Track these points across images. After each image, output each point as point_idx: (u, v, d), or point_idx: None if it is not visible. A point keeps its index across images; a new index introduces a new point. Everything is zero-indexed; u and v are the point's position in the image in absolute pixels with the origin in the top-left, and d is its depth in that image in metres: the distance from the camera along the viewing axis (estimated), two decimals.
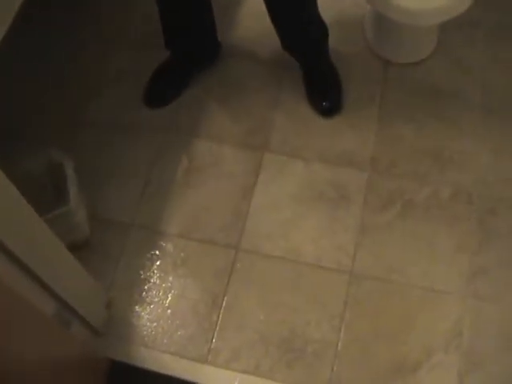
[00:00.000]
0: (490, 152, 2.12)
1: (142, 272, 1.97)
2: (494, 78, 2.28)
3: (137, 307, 1.91)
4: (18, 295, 1.26)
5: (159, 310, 1.91)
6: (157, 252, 2.00)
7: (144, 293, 1.94)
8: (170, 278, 1.96)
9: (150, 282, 1.95)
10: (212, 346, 1.85)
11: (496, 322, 1.85)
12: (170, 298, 1.93)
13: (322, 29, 2.16)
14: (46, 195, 1.84)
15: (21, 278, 1.35)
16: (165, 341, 1.86)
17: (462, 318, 1.85)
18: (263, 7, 2.02)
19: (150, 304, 1.92)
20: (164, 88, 2.30)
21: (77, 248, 1.79)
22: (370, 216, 2.03)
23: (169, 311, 1.90)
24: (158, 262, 1.98)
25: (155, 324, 1.88)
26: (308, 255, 1.98)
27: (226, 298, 1.91)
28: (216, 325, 1.88)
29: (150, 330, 1.88)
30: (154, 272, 1.97)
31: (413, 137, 2.16)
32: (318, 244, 1.99)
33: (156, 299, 1.92)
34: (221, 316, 1.89)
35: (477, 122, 2.19)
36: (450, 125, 2.18)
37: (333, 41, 2.23)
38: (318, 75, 2.27)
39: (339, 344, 1.84)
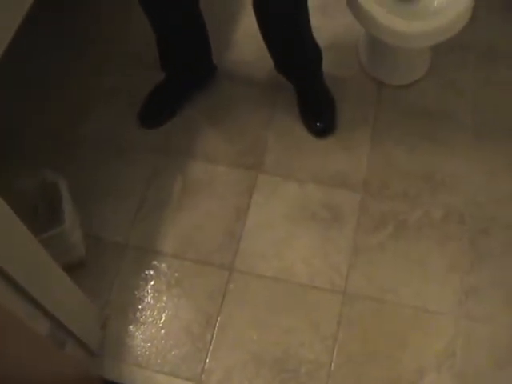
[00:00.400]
0: (482, 173, 2.14)
1: (136, 292, 1.97)
2: (486, 100, 2.31)
3: (131, 327, 1.92)
4: (12, 314, 1.27)
5: (153, 330, 1.91)
6: (151, 272, 2.01)
7: (138, 312, 1.94)
8: (164, 298, 1.96)
9: (144, 301, 1.96)
10: (206, 366, 1.85)
11: (488, 342, 1.86)
12: (164, 318, 1.93)
13: (316, 51, 2.19)
14: (40, 215, 1.85)
15: (15, 297, 1.35)
16: (158, 361, 1.87)
17: (455, 338, 1.86)
18: (257, 29, 2.05)
19: (144, 324, 1.92)
20: (159, 109, 2.33)
21: (72, 268, 1.79)
22: (363, 237, 2.04)
23: (163, 331, 1.91)
24: (152, 282, 1.99)
25: (149, 344, 1.89)
26: (301, 275, 1.99)
27: (219, 318, 1.92)
28: (210, 345, 1.88)
29: (143, 350, 1.88)
30: (148, 292, 1.97)
31: (405, 158, 2.18)
32: (312, 264, 2.00)
33: (150, 319, 1.93)
34: (214, 336, 1.90)
35: (468, 144, 2.21)
36: (442, 146, 2.21)
37: (327, 63, 2.26)
38: (312, 96, 2.29)
39: (332, 364, 1.84)
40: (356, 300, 1.94)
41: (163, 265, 2.02)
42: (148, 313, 1.94)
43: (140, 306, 1.95)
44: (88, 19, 2.56)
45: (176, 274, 2.00)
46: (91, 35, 2.54)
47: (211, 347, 1.88)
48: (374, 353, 1.86)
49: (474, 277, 1.95)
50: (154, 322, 1.93)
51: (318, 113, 2.29)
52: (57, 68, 2.43)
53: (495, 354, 1.84)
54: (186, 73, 2.31)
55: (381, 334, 1.89)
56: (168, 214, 2.11)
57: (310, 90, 2.29)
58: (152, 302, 1.96)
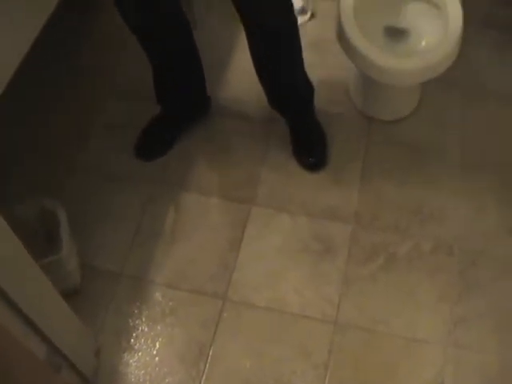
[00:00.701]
0: (470, 207, 2.19)
1: (130, 320, 1.99)
2: (473, 136, 2.37)
3: (125, 354, 1.94)
4: (11, 337, 1.29)
5: (147, 358, 1.93)
6: (146, 301, 2.03)
7: (132, 340, 1.96)
8: (158, 327, 1.98)
9: (138, 329, 1.98)
10: None
11: (477, 371, 1.88)
12: (157, 346, 1.95)
13: (308, 88, 2.24)
14: (37, 242, 1.87)
15: (15, 319, 1.38)
16: None
17: (444, 367, 1.89)
18: (251, 66, 2.11)
19: (138, 351, 1.94)
20: (155, 142, 2.37)
21: (66, 295, 1.81)
22: (354, 268, 2.07)
23: (156, 359, 1.93)
24: (146, 311, 2.01)
25: (143, 371, 1.91)
26: (293, 305, 2.01)
27: (212, 347, 1.94)
28: (203, 373, 1.90)
29: (137, 378, 1.89)
30: (142, 320, 1.99)
31: (395, 192, 2.23)
32: (304, 295, 2.03)
33: (144, 347, 1.95)
34: (207, 365, 1.91)
35: (456, 178, 2.26)
36: (431, 180, 2.26)
37: (319, 98, 2.31)
38: (305, 132, 2.34)
39: None
40: (347, 330, 1.97)
41: (157, 294, 2.04)
42: (142, 341, 1.96)
43: (134, 334, 1.97)
44: (86, 49, 2.63)
45: (170, 303, 2.02)
46: (88, 64, 2.60)
47: (204, 376, 1.90)
48: (364, 381, 1.88)
49: (462, 307, 1.99)
50: (148, 349, 1.94)
51: (310, 148, 2.34)
52: (55, 95, 2.48)
53: (484, 382, 1.86)
54: (181, 106, 2.36)
55: (372, 363, 1.91)
56: (162, 244, 2.14)
57: (302, 126, 2.34)
58: (146, 330, 1.98)
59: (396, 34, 2.27)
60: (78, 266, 1.99)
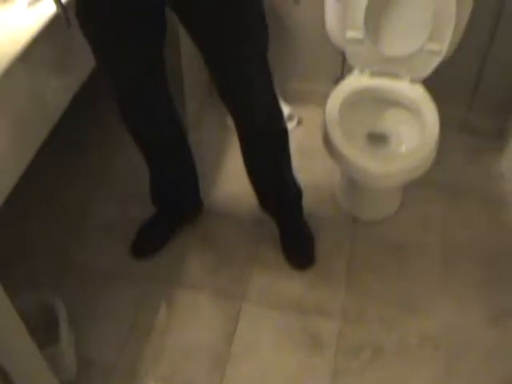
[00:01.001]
0: (453, 301, 2.26)
1: None
2: (454, 233, 2.49)
3: None
4: None
5: None
6: None
7: None
8: None
9: None
10: None
11: None
12: None
13: (297, 191, 2.34)
14: (35, 334, 1.92)
15: None
16: None
17: None
18: (243, 168, 2.23)
19: None
20: (149, 241, 2.46)
21: None
22: (343, 362, 2.12)
23: None
24: None
25: None
26: None
27: None
28: None
29: None
30: None
31: (380, 287, 2.31)
32: None
33: None
34: None
35: (439, 274, 2.35)
36: (415, 276, 2.35)
37: (306, 200, 2.41)
38: (293, 233, 2.43)
39: None
40: None
41: None
42: None
43: None
44: (80, 168, 2.75)
45: None
46: (85, 165, 2.72)
47: None
48: None
49: None
50: None
51: (299, 248, 2.43)
52: (54, 194, 2.60)
53: None
54: (175, 208, 2.47)
55: None
56: (155, 339, 2.17)
57: (291, 227, 2.43)
58: None
59: (378, 139, 2.41)
60: (75, 359, 2.03)
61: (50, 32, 1.67)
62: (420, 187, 2.57)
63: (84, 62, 1.94)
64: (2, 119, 1.52)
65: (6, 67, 1.47)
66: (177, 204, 2.45)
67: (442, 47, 2.28)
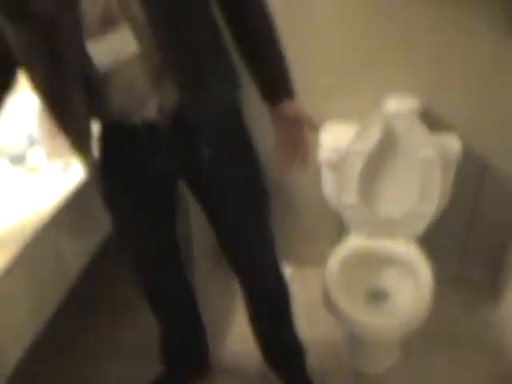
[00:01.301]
0: None
1: None
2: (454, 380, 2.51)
3: None
4: None
5: None
6: None
7: None
8: None
9: None
10: None
11: None
12: None
13: (300, 348, 2.41)
14: None
15: None
16: None
17: None
18: (248, 327, 2.33)
19: None
20: None
21: None
22: None
23: None
24: None
25: None
26: None
27: None
28: None
29: None
30: None
31: None
32: None
33: None
34: None
35: None
36: None
37: (311, 356, 2.46)
38: None
39: None
40: None
41: None
42: None
43: None
44: (87, 333, 2.80)
45: None
46: (89, 345, 2.74)
47: None
48: None
49: None
50: None
51: None
52: (58, 351, 2.61)
53: None
54: (184, 368, 2.52)
55: None
56: None
57: (295, 383, 2.46)
58: None
59: (376, 295, 2.50)
60: None
61: (77, 197, 1.81)
62: (420, 337, 2.57)
63: (101, 225, 2.06)
64: (26, 283, 1.62)
65: (37, 233, 1.60)
66: (186, 366, 2.51)
67: (430, 208, 2.42)
